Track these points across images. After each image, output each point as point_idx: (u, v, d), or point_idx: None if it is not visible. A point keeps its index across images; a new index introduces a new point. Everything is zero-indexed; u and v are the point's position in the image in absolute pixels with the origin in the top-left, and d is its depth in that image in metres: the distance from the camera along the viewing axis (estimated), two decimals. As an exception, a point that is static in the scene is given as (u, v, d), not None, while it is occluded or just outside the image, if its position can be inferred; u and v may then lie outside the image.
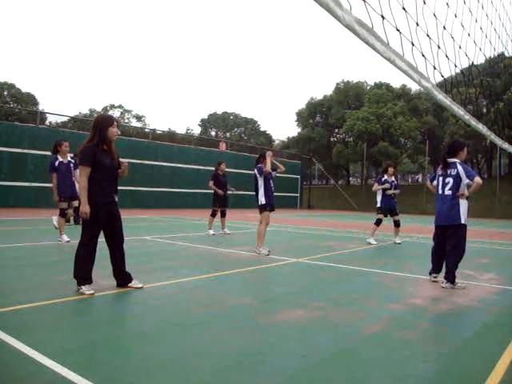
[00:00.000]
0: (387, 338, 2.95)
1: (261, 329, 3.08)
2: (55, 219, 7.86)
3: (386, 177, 8.83)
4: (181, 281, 4.54)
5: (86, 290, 3.82)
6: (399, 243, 8.81)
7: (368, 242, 8.65)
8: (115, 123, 4.03)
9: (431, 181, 5.20)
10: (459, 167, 4.76)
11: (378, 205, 8.89)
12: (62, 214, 7.41)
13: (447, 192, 4.79)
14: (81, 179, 3.86)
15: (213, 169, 10.07)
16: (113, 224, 4.07)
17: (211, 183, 9.74)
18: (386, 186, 8.70)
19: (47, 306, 3.43)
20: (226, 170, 10.39)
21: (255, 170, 6.90)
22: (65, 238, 7.28)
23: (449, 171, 4.82)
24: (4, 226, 9.78)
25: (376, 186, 8.87)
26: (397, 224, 8.95)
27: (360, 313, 3.57)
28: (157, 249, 7.06)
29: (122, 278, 4.13)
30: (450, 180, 4.80)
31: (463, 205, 4.72)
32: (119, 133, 4.09)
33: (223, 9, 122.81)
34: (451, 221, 4.73)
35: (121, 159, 4.20)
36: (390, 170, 8.90)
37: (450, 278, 4.65)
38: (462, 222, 4.69)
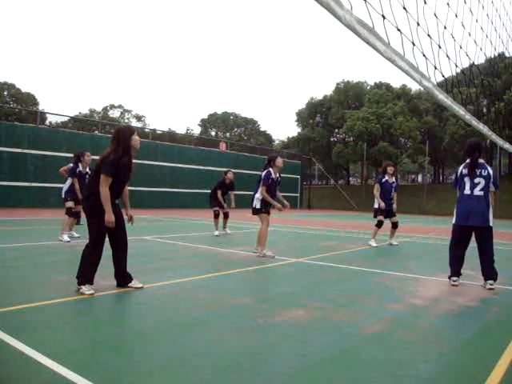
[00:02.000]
0: (387, 338, 2.95)
1: (261, 329, 3.08)
2: (69, 233, 7.81)
3: (386, 177, 8.52)
4: (181, 281, 4.54)
5: (86, 290, 3.82)
6: (396, 245, 8.60)
7: (369, 244, 8.44)
8: (136, 132, 4.10)
9: (455, 186, 5.03)
10: (490, 169, 4.76)
11: (376, 206, 8.56)
12: (69, 212, 7.53)
13: (478, 193, 4.69)
14: (102, 188, 3.83)
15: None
16: (116, 228, 4.06)
17: (219, 193, 9.78)
18: (382, 205, 8.38)
19: (47, 306, 3.43)
20: (226, 170, 10.39)
21: (262, 174, 6.60)
22: (65, 237, 7.32)
23: (478, 171, 4.71)
24: (4, 226, 9.77)
25: (376, 191, 8.54)
26: (394, 225, 8.69)
27: (360, 313, 3.57)
28: (157, 249, 7.06)
29: (123, 278, 4.14)
30: (481, 180, 4.70)
31: (491, 208, 4.75)
32: (139, 141, 4.14)
33: (223, 9, 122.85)
34: (484, 222, 4.68)
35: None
36: (390, 169, 8.55)
37: (496, 277, 4.74)
38: (491, 224, 4.73)
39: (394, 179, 8.64)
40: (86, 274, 3.89)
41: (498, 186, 4.79)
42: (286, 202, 6.87)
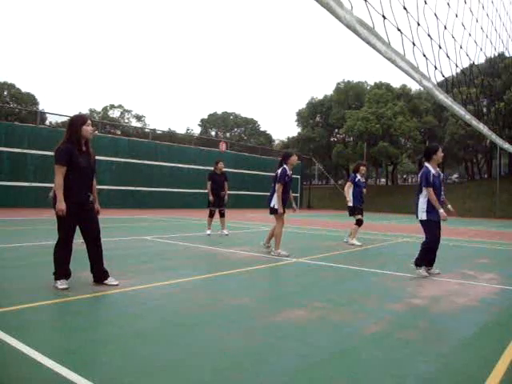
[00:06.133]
0: (387, 338, 2.95)
1: (261, 329, 3.08)
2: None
3: (358, 177, 8.56)
4: (181, 281, 4.54)
5: (60, 284, 3.89)
6: (360, 245, 8.34)
7: (352, 244, 8.38)
8: (89, 121, 4.07)
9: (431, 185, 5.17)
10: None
11: (351, 204, 8.49)
12: None
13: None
14: (56, 177, 3.88)
15: (213, 169, 9.90)
16: (87, 221, 4.08)
17: (208, 185, 9.53)
18: (349, 202, 8.51)
19: (47, 306, 3.43)
20: (226, 170, 10.30)
21: (278, 172, 6.62)
22: None
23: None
24: (4, 226, 9.77)
25: (348, 189, 8.54)
26: (362, 223, 8.64)
27: (360, 313, 3.57)
28: (157, 249, 7.05)
29: (98, 274, 4.15)
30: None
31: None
32: (92, 130, 4.09)
33: (223, 9, 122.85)
34: None
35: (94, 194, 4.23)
36: (362, 168, 8.60)
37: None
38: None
39: (363, 179, 8.76)
40: (60, 271, 3.94)
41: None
42: (294, 206, 6.98)
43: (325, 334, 2.98)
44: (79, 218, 4.02)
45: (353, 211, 8.59)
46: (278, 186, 6.53)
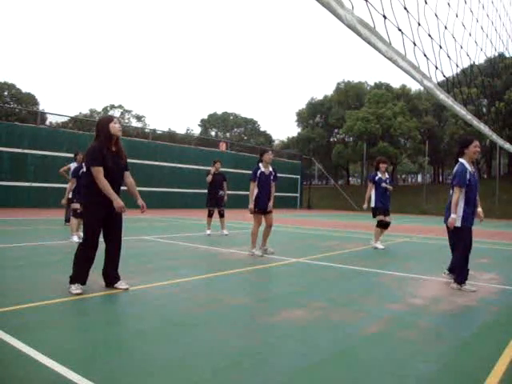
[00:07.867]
0: (387, 337, 2.95)
1: (261, 329, 3.08)
2: (78, 234, 7.40)
3: (379, 174, 7.98)
4: (181, 281, 4.54)
5: (74, 289, 3.79)
6: (382, 248, 7.86)
7: (374, 247, 7.96)
8: (115, 119, 4.06)
9: (464, 184, 4.50)
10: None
11: (373, 205, 7.95)
12: (76, 214, 7.45)
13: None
14: (98, 180, 3.82)
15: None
16: (111, 222, 4.05)
17: (210, 177, 9.59)
18: (365, 207, 7.99)
19: (47, 306, 3.42)
20: (226, 170, 10.31)
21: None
22: (75, 238, 7.20)
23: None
24: (4, 226, 9.77)
25: (371, 191, 8.00)
26: (386, 225, 8.06)
27: (360, 313, 3.57)
28: (157, 249, 7.05)
29: (111, 278, 4.08)
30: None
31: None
32: (120, 128, 4.06)
33: (223, 9, 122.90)
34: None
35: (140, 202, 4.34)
36: (382, 166, 8.06)
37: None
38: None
39: (386, 175, 8.14)
40: (76, 274, 3.87)
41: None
42: (270, 206, 6.62)
43: (325, 334, 2.98)
44: (103, 220, 3.97)
45: (374, 212, 8.04)
46: (251, 185, 6.52)
